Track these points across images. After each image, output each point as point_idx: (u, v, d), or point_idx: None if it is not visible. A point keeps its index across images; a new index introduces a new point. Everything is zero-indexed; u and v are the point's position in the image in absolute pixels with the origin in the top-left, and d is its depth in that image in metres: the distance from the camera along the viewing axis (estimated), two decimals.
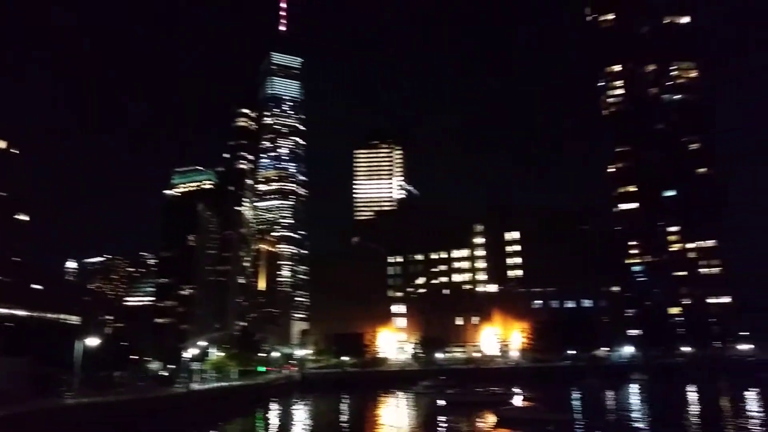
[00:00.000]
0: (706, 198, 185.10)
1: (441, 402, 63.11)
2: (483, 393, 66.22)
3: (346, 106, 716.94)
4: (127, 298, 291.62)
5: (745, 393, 69.73)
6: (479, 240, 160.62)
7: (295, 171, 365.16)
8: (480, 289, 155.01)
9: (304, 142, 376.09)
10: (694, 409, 59.58)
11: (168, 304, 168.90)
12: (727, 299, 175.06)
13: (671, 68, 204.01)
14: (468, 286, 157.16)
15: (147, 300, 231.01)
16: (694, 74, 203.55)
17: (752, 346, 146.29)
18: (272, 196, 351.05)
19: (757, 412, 53.70)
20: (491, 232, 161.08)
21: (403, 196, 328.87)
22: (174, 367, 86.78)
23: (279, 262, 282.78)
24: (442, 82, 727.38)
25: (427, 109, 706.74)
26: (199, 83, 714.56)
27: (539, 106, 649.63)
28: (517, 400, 63.45)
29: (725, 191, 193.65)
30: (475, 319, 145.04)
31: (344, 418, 56.97)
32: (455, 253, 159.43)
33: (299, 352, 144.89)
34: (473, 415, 50.72)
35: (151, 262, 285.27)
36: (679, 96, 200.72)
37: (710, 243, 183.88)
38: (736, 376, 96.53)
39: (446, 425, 47.88)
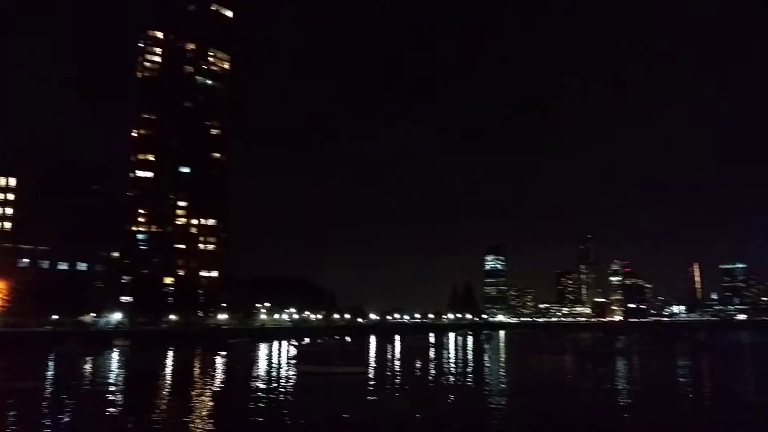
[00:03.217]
0: (216, 181, 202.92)
1: None
2: None
3: None
4: None
5: (216, 357, 78.82)
6: None
7: None
8: None
9: None
10: (168, 369, 63.33)
11: None
12: (215, 273, 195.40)
13: (209, 53, 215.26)
14: None
15: None
16: (227, 65, 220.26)
17: (227, 316, 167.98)
18: None
19: (220, 369, 61.62)
20: None
21: None
22: None
23: None
24: None
25: None
26: None
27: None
28: None
29: (231, 177, 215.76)
30: None
31: None
32: None
33: None
34: None
35: None
36: (211, 82, 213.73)
37: (211, 222, 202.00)
38: (211, 342, 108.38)
39: None
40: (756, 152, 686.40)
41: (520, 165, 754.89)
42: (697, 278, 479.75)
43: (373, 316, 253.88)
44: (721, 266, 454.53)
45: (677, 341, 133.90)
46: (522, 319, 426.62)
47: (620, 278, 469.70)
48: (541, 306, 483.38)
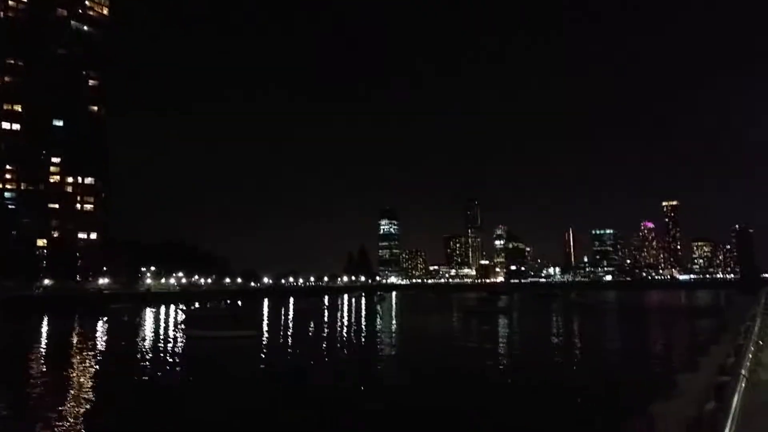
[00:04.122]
0: (94, 136, 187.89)
1: None
2: None
3: None
4: None
5: (96, 323, 74.58)
6: None
7: None
8: None
9: None
10: (42, 338, 59.12)
11: None
12: (94, 236, 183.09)
13: None
14: None
15: None
16: (105, 11, 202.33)
17: (108, 280, 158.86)
18: None
19: (101, 336, 58.55)
20: None
21: None
22: None
23: None
24: None
25: None
26: None
27: None
28: None
29: (111, 132, 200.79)
30: None
31: None
32: None
33: None
34: None
35: None
36: (87, 28, 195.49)
37: (89, 180, 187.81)
38: (91, 308, 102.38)
39: None
40: (625, 127, 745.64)
41: (413, 130, 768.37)
42: (571, 242, 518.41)
43: (266, 280, 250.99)
44: (592, 231, 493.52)
45: (552, 300, 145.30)
46: (413, 280, 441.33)
47: (503, 242, 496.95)
48: (431, 268, 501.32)
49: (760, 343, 11.93)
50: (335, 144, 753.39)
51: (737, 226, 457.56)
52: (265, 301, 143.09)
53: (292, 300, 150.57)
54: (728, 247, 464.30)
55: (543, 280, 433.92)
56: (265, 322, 76.96)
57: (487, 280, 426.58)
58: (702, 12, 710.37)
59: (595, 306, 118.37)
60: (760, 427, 7.16)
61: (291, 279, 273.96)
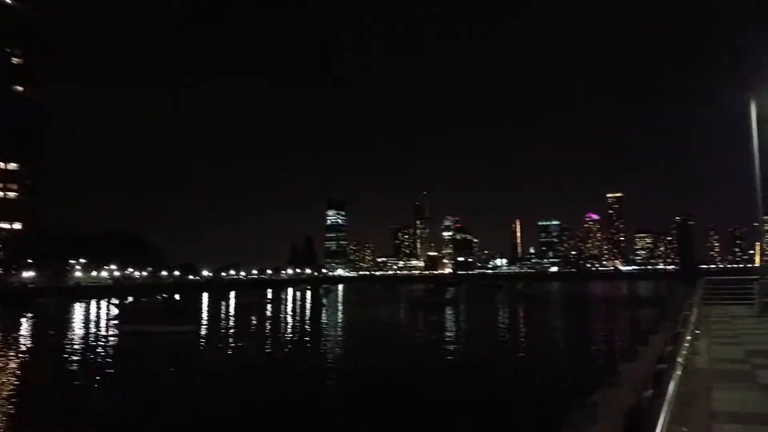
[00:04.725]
0: (20, 118, 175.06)
1: None
2: None
3: None
4: None
5: (20, 319, 68.80)
6: None
7: None
8: None
9: None
10: None
11: None
12: (18, 225, 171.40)
13: None
14: None
15: None
16: None
17: (34, 273, 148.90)
18: None
19: (25, 333, 53.65)
20: None
21: None
22: None
23: None
24: None
25: None
26: None
27: None
28: None
29: (44, 115, 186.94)
30: None
31: None
32: None
33: None
34: None
35: None
36: (10, 1, 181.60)
37: (13, 165, 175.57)
38: (14, 302, 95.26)
39: None
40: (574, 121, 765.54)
41: (361, 121, 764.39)
42: (518, 233, 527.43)
43: (206, 273, 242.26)
44: (538, 223, 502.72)
45: (498, 291, 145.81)
46: (361, 272, 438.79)
47: (451, 233, 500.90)
48: (379, 260, 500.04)
49: (697, 332, 12.56)
50: (280, 133, 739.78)
51: (677, 218, 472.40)
52: (205, 295, 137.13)
53: (233, 294, 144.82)
54: (669, 238, 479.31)
55: (490, 271, 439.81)
56: (204, 316, 72.75)
57: (435, 272, 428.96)
58: (645, 4, 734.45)
59: (540, 297, 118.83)
60: (696, 413, 7.74)
61: (232, 272, 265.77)
